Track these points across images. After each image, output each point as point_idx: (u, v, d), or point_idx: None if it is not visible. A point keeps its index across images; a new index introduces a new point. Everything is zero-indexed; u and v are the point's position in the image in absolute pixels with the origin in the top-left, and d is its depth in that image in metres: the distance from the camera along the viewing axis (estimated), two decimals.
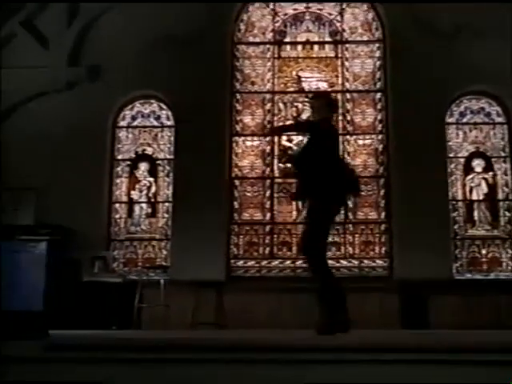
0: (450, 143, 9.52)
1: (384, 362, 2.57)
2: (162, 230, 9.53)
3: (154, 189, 9.67)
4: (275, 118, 9.70)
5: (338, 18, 10.05)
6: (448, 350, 2.88)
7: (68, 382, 2.12)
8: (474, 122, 9.65)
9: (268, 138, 9.64)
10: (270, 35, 10.09)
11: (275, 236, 9.44)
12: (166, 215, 9.55)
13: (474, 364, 2.49)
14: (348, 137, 9.60)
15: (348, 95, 9.68)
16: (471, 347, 3.03)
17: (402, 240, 9.01)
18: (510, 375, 2.37)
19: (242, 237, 9.45)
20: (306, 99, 5.93)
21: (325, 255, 5.12)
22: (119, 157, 9.78)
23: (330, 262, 9.00)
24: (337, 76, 9.75)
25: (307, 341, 3.64)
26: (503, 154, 9.51)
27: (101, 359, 2.60)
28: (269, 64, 9.96)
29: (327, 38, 10.05)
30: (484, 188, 9.43)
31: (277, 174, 9.58)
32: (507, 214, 9.35)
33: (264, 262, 9.36)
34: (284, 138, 9.61)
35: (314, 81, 9.81)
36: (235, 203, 9.54)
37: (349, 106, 9.61)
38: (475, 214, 9.39)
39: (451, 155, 9.49)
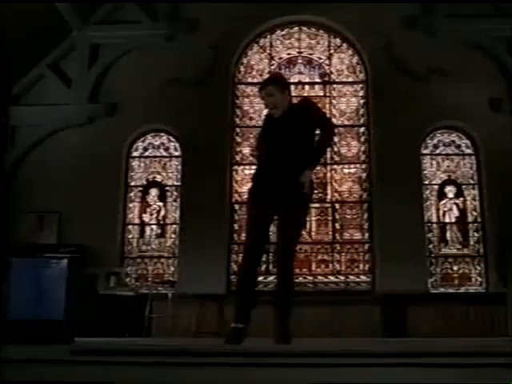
0: (425, 172, 9.57)
1: (368, 366, 2.59)
2: (169, 249, 9.52)
3: (163, 212, 9.68)
4: None
5: (327, 61, 10.15)
6: (424, 354, 2.90)
7: (90, 382, 2.14)
8: (446, 153, 9.72)
9: None
10: (266, 76, 10.17)
11: (270, 254, 9.41)
12: (173, 236, 9.55)
13: (447, 367, 2.51)
14: (335, 166, 9.65)
15: (335, 129, 9.71)
16: (445, 352, 3.05)
17: (383, 258, 9.02)
18: (480, 377, 2.39)
19: (240, 255, 9.41)
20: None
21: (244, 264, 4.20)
22: (132, 183, 9.80)
23: (319, 277, 9.20)
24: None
25: (300, 346, 3.65)
26: (472, 182, 9.56)
27: (117, 362, 2.62)
28: None
29: (317, 79, 10.13)
30: (455, 212, 9.47)
31: None
32: (476, 234, 9.38)
33: (260, 278, 9.30)
34: None
35: None
36: (235, 225, 9.53)
37: (336, 139, 9.65)
38: (448, 234, 9.41)
39: (426, 183, 9.54)
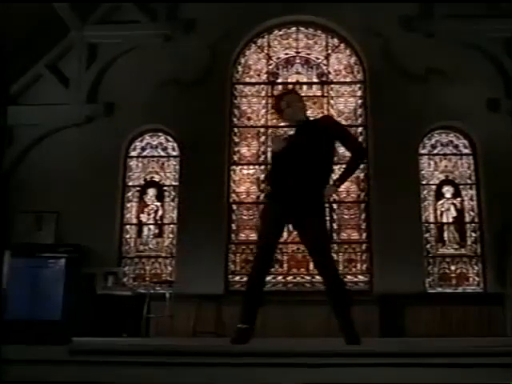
0: (422, 172, 9.56)
1: (366, 366, 2.58)
2: (167, 249, 9.50)
3: (160, 212, 9.66)
4: (268, 149, 9.73)
5: (325, 61, 10.14)
6: (424, 354, 2.90)
7: (88, 382, 2.14)
8: (443, 153, 9.70)
9: (262, 167, 9.65)
10: (264, 76, 10.16)
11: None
12: (171, 235, 9.53)
13: (447, 367, 2.51)
14: (333, 166, 9.63)
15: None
16: (445, 352, 3.05)
17: (381, 258, 9.01)
18: (479, 377, 2.39)
19: (238, 255, 9.41)
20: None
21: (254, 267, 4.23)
22: (130, 183, 9.77)
23: (317, 277, 9.16)
24: (323, 112, 9.79)
25: (300, 347, 3.64)
26: (469, 182, 9.55)
27: (115, 362, 2.61)
28: (263, 102, 10.00)
29: (314, 79, 10.11)
30: (453, 212, 9.46)
31: None
32: (473, 234, 9.37)
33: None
34: None
35: None
36: (233, 225, 9.51)
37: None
38: (445, 234, 9.40)
39: (424, 183, 9.53)
